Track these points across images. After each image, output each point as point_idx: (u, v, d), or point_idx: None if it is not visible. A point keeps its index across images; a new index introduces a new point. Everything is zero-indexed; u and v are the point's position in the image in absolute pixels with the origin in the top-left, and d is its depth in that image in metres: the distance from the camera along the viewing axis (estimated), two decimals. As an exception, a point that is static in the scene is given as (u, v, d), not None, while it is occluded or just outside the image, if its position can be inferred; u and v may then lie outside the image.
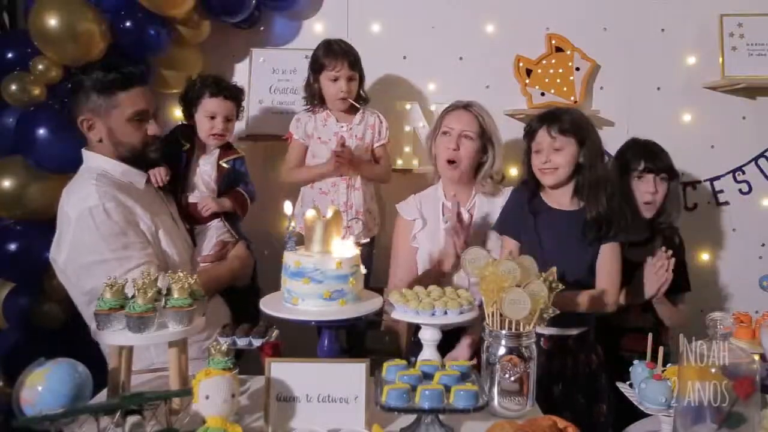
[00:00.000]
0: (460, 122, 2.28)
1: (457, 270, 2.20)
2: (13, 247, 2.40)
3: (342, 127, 2.68)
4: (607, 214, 2.12)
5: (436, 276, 2.22)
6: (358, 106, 2.67)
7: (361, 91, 2.71)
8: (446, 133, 2.29)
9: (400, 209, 2.40)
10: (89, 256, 1.86)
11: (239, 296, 2.30)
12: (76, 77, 1.98)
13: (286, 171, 2.76)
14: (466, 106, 2.32)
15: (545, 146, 2.16)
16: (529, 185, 2.27)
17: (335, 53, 2.60)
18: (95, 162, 2.00)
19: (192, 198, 2.35)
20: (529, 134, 2.23)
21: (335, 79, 2.61)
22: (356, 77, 2.65)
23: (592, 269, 2.15)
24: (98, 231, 1.85)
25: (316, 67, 2.64)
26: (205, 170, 2.38)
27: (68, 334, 2.46)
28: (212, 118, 2.36)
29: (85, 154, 2.04)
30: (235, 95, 2.42)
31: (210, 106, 2.35)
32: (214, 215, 2.35)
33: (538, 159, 2.19)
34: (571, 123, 2.15)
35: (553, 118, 2.18)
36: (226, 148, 2.43)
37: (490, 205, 2.33)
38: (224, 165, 2.39)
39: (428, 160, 2.46)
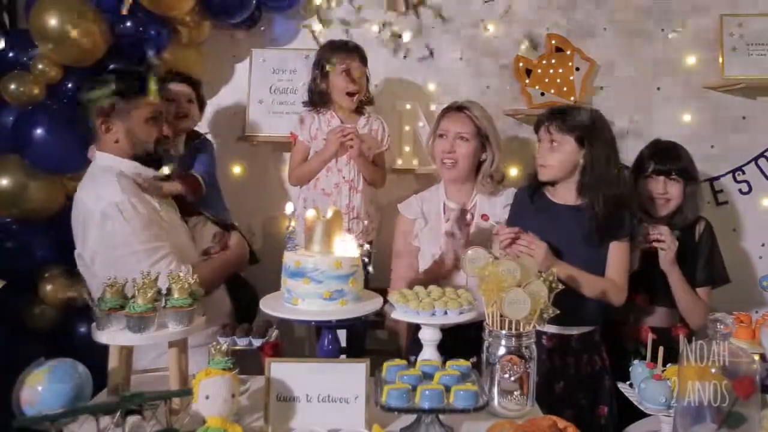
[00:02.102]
0: (455, 124, 2.30)
1: (457, 271, 2.21)
2: (7, 246, 2.40)
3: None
4: (606, 216, 2.12)
5: (436, 276, 2.23)
6: (364, 100, 2.71)
7: (367, 91, 2.74)
8: (442, 135, 2.32)
9: (401, 209, 2.41)
10: (120, 249, 1.90)
11: (239, 285, 2.35)
12: (90, 84, 2.04)
13: (290, 172, 2.78)
14: (461, 108, 2.33)
15: (544, 143, 2.19)
16: (533, 180, 2.27)
17: (346, 49, 2.65)
18: (110, 161, 2.04)
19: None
20: (536, 129, 2.26)
21: (345, 73, 2.62)
22: (365, 74, 2.68)
23: (597, 265, 2.15)
24: (128, 224, 1.91)
25: (324, 64, 2.65)
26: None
27: (60, 335, 2.46)
28: (172, 100, 2.42)
29: (97, 153, 2.07)
30: (187, 79, 2.52)
31: (169, 91, 2.41)
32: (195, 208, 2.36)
33: (537, 154, 2.23)
34: (573, 122, 2.15)
35: (555, 116, 2.18)
36: (192, 135, 2.54)
37: (490, 205, 2.34)
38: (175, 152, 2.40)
39: (429, 161, 2.47)
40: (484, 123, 2.30)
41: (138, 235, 1.91)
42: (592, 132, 2.15)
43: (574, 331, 2.15)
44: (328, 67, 2.62)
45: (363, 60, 2.67)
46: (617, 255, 2.16)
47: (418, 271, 2.32)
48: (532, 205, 2.23)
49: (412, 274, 2.31)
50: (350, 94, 2.64)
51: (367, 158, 2.68)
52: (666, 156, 2.41)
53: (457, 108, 2.34)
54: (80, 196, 2.00)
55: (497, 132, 2.35)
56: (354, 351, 1.81)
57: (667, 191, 2.38)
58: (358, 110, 2.73)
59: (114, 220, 1.90)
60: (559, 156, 2.16)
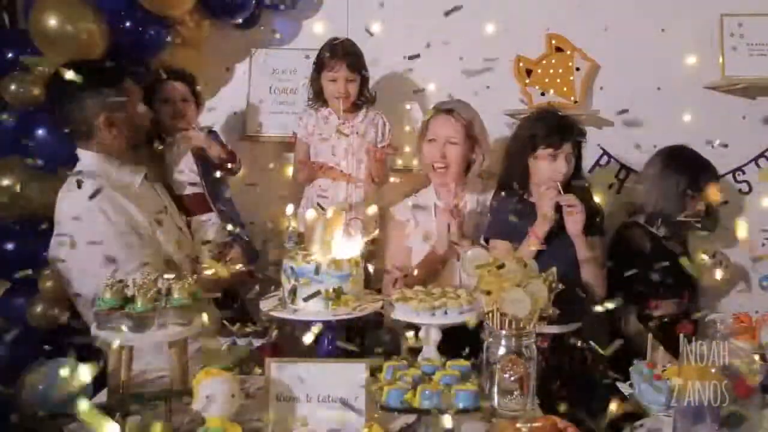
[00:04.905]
0: (444, 129, 2.31)
1: (453, 255, 2.24)
2: (10, 246, 2.39)
3: (343, 123, 2.67)
4: (587, 214, 2.14)
5: (433, 262, 2.24)
6: (359, 103, 2.68)
7: (366, 92, 2.70)
8: (432, 140, 2.32)
9: (393, 211, 2.44)
10: (89, 256, 1.86)
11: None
12: (76, 79, 2.00)
13: (294, 171, 2.80)
14: (450, 111, 2.33)
15: (560, 157, 2.17)
16: (517, 186, 2.27)
17: (335, 54, 2.60)
18: (91, 163, 2.01)
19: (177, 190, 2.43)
20: (553, 145, 2.19)
21: (334, 80, 2.61)
22: (356, 79, 2.63)
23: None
24: (97, 232, 1.86)
25: (318, 66, 2.65)
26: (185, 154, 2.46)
27: (65, 335, 2.46)
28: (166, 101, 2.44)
29: (82, 154, 2.05)
30: (182, 76, 2.52)
31: (163, 91, 2.45)
32: (208, 208, 2.41)
33: (551, 167, 2.18)
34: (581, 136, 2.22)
35: (568, 132, 2.19)
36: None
37: (480, 204, 2.36)
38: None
39: (419, 162, 2.50)
40: (473, 125, 2.31)
41: (107, 244, 1.86)
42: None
43: (566, 329, 2.16)
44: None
45: (351, 66, 2.59)
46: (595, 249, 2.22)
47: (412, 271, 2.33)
48: (518, 210, 2.22)
49: (406, 271, 2.32)
50: (336, 98, 2.62)
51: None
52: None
53: (446, 111, 2.34)
54: (58, 199, 1.98)
55: (486, 133, 2.36)
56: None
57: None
58: (355, 107, 2.69)
59: (84, 227, 1.86)
60: (569, 167, 2.17)
